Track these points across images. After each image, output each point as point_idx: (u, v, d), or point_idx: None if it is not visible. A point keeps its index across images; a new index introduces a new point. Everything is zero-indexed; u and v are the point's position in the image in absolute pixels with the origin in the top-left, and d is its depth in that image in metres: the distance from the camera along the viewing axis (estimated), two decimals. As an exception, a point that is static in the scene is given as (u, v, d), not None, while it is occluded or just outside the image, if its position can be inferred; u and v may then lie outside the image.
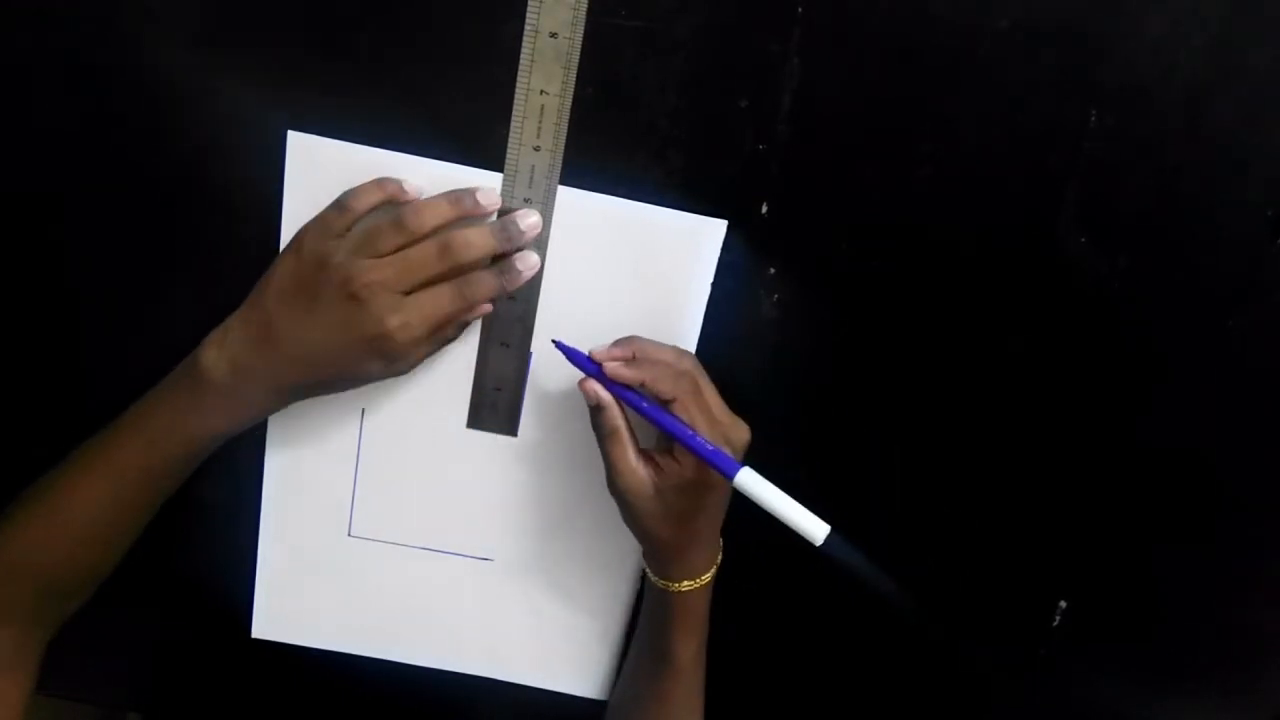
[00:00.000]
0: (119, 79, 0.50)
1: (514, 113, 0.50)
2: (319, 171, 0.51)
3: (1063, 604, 0.61)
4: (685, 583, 0.53)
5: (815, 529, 0.45)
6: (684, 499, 0.51)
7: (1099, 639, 0.62)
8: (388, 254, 0.49)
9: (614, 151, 0.51)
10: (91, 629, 0.65)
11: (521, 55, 0.49)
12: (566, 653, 0.65)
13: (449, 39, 0.49)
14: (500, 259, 0.51)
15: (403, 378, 0.56)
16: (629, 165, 0.51)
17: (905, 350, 0.56)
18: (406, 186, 0.50)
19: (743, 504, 0.54)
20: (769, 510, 0.46)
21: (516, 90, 0.49)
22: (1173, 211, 0.52)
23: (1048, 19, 0.48)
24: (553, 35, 0.48)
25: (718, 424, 0.50)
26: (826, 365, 0.56)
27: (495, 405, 0.57)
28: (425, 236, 0.49)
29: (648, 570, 0.55)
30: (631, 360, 0.50)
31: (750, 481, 0.47)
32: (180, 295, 0.55)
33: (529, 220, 0.50)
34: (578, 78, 0.49)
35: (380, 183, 0.50)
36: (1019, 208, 0.52)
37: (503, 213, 0.51)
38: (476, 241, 0.50)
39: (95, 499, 0.51)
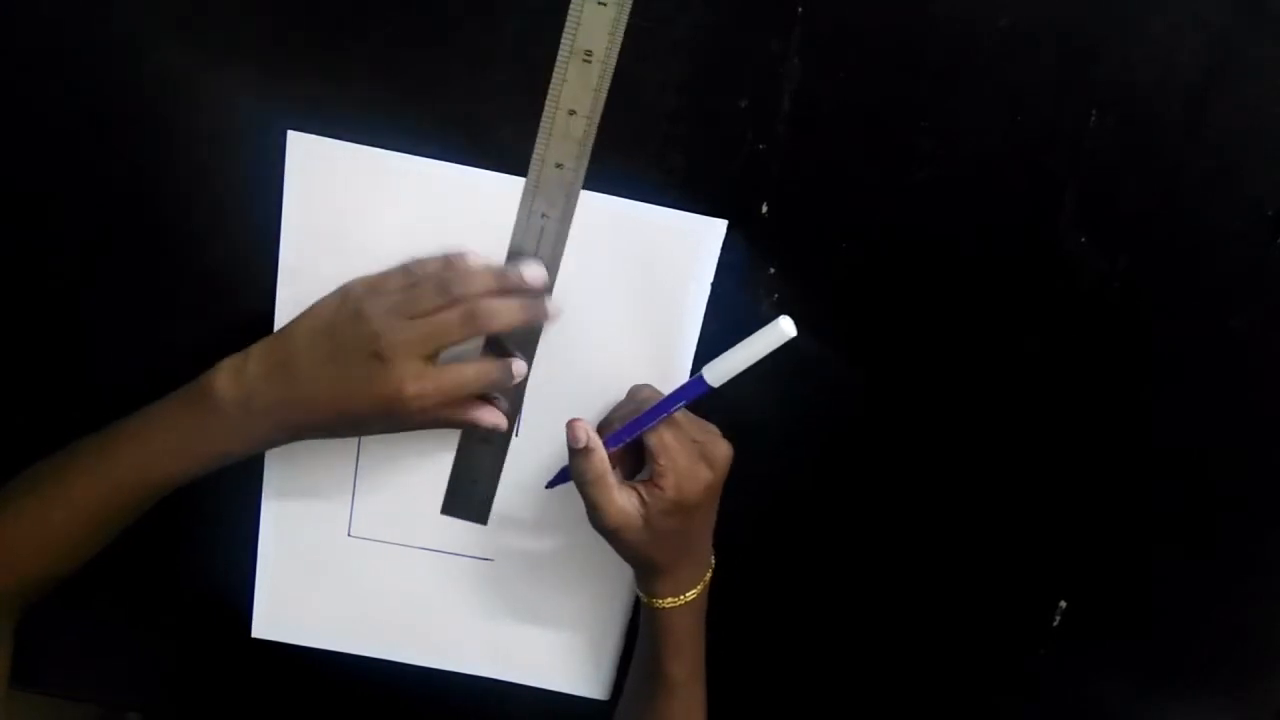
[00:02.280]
0: (119, 79, 0.50)
1: (540, 130, 0.50)
2: (319, 171, 0.51)
3: (1063, 604, 0.61)
4: (669, 600, 0.54)
5: (785, 328, 0.46)
6: (671, 520, 0.51)
7: (1099, 639, 0.62)
8: (424, 315, 0.49)
9: (614, 151, 0.51)
10: (92, 629, 0.65)
11: (554, 75, 0.49)
12: (566, 652, 0.65)
13: (450, 39, 0.49)
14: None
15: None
16: (629, 165, 0.51)
17: (905, 350, 0.56)
18: (471, 260, 0.50)
19: (741, 515, 0.55)
20: (750, 362, 0.47)
21: (545, 108, 0.49)
22: (1173, 211, 0.52)
23: (1048, 19, 0.48)
24: (587, 58, 0.48)
25: (694, 442, 0.51)
26: (826, 365, 0.56)
27: (487, 439, 0.57)
28: (463, 302, 0.49)
29: (637, 589, 0.56)
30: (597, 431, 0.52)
31: (717, 371, 0.48)
32: (180, 295, 0.55)
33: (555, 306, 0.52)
34: (578, 78, 0.50)
35: (448, 259, 0.51)
36: (1019, 208, 0.52)
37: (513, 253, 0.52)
38: (502, 314, 0.50)
39: (89, 503, 0.51)
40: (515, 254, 0.52)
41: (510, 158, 0.51)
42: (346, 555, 0.61)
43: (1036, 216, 0.52)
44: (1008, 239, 0.53)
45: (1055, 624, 0.62)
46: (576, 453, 0.50)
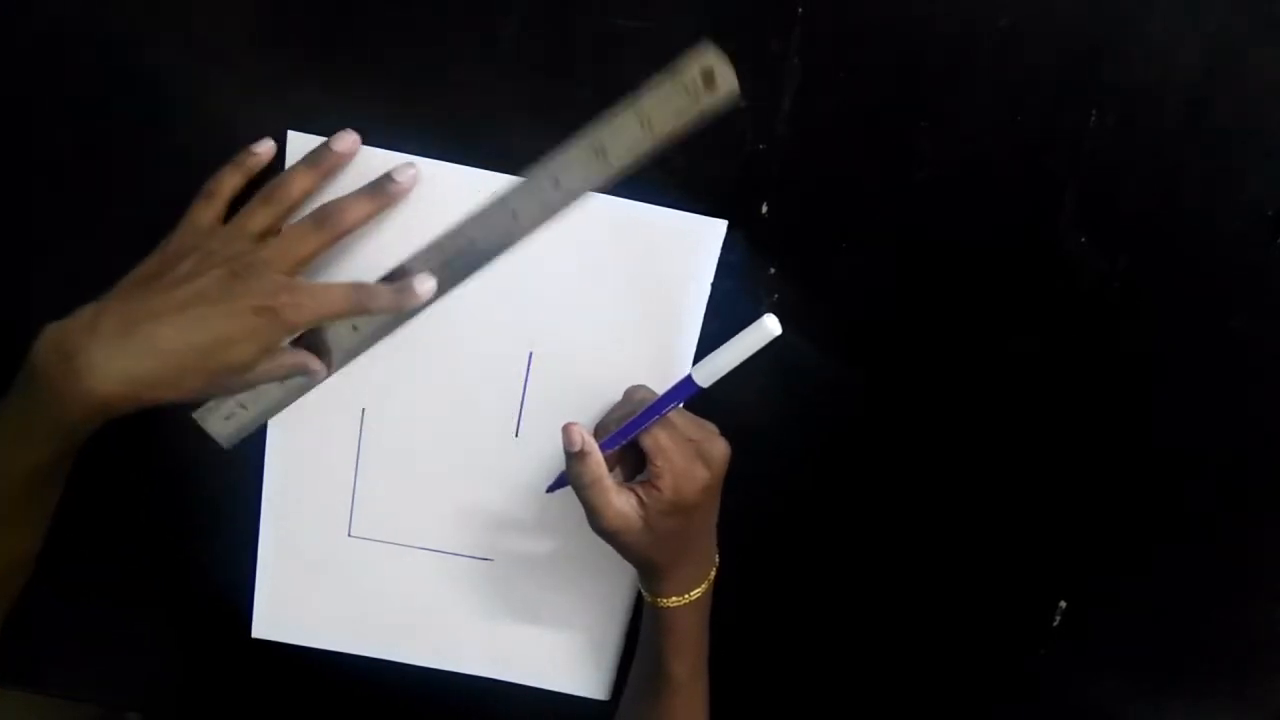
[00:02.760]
0: (119, 79, 0.50)
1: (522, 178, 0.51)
2: (319, 171, 0.51)
3: (1063, 604, 0.61)
4: (673, 599, 0.53)
5: (770, 327, 0.46)
6: (670, 520, 0.51)
7: (1099, 639, 0.62)
8: (263, 232, 0.49)
9: (614, 151, 0.51)
10: (92, 629, 0.65)
11: (560, 150, 0.50)
12: (566, 652, 0.65)
13: (449, 39, 0.49)
14: (400, 278, 0.51)
15: (403, 375, 0.56)
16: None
17: (905, 350, 0.56)
18: (257, 149, 0.50)
19: (741, 516, 0.55)
20: (737, 362, 0.47)
21: (531, 171, 0.50)
22: (1173, 211, 0.52)
23: (1048, 19, 0.48)
24: (599, 154, 0.49)
25: (689, 442, 0.51)
26: (826, 365, 0.56)
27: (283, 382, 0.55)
28: (294, 206, 0.49)
29: (641, 588, 0.56)
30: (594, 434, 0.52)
31: (706, 371, 0.48)
32: (180, 295, 0.55)
33: (407, 173, 0.50)
34: (576, 77, 0.50)
35: (235, 165, 0.50)
36: (1019, 208, 0.52)
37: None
38: (350, 209, 0.49)
39: None
40: (453, 238, 0.52)
41: (510, 158, 0.51)
42: (346, 555, 0.61)
43: (1036, 216, 0.52)
44: (1008, 239, 0.53)
45: (1055, 624, 0.61)
46: (572, 456, 0.50)
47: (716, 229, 0.53)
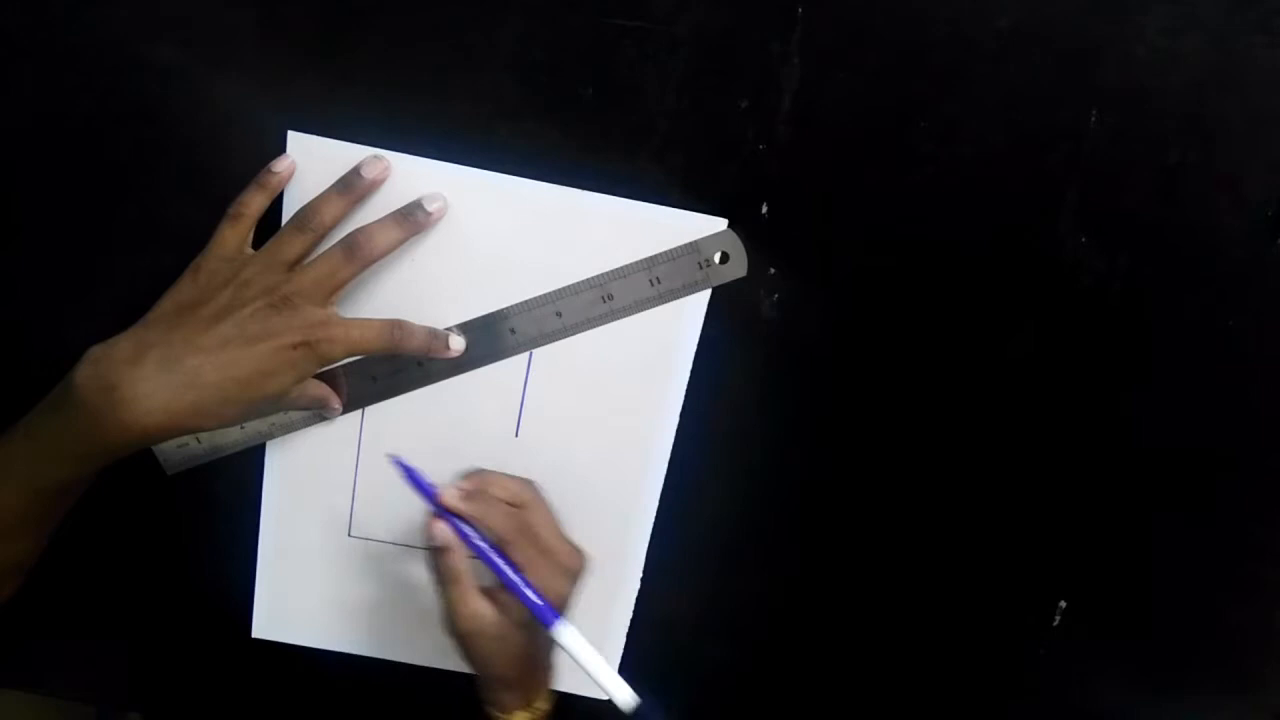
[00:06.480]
0: (119, 79, 0.50)
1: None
2: (319, 171, 0.51)
3: (1063, 604, 0.61)
4: (520, 714, 0.52)
5: (624, 697, 0.46)
6: (524, 633, 0.50)
7: (1099, 639, 0.62)
8: (296, 261, 0.49)
9: (614, 151, 0.51)
10: (92, 629, 0.65)
11: (570, 288, 0.53)
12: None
13: (449, 39, 0.49)
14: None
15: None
16: (629, 165, 0.51)
17: (905, 350, 0.56)
18: (276, 168, 0.49)
19: (741, 516, 0.55)
20: (581, 667, 0.48)
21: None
22: (1173, 211, 0.52)
23: (1048, 19, 0.48)
24: (606, 298, 0.52)
25: (553, 555, 0.50)
26: (826, 365, 0.56)
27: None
28: (327, 232, 0.50)
29: (482, 700, 0.54)
30: (471, 494, 0.50)
31: (567, 637, 0.48)
32: (180, 295, 0.55)
33: (436, 204, 0.50)
34: (576, 77, 0.50)
35: (259, 185, 0.50)
36: (1019, 208, 0.52)
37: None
38: (379, 236, 0.49)
39: None
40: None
41: (510, 158, 0.51)
42: (346, 555, 0.61)
43: (1036, 216, 0.52)
44: (1008, 239, 0.53)
45: (1055, 624, 0.62)
46: (432, 551, 0.49)
47: (716, 229, 0.53)
